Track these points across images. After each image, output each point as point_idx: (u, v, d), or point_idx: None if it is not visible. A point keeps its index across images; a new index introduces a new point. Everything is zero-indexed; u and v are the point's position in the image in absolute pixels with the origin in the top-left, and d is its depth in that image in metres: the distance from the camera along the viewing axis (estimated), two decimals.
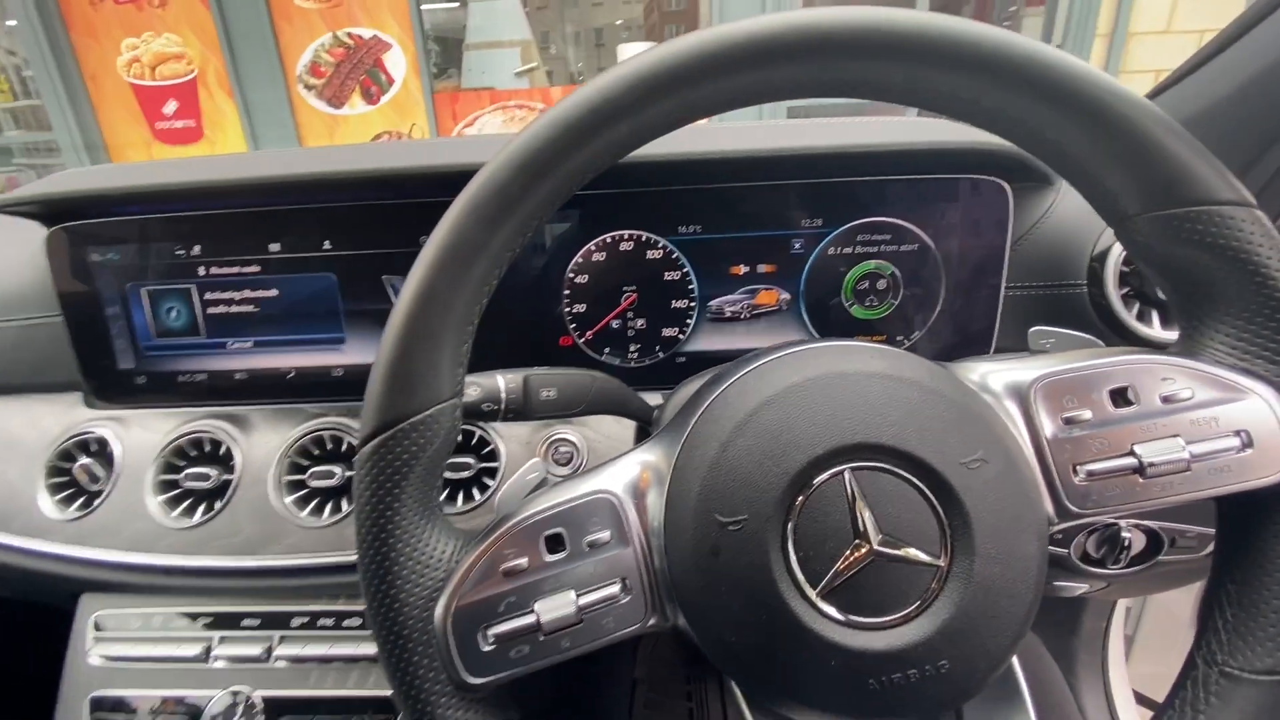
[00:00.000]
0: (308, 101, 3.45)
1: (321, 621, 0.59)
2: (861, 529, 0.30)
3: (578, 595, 0.32)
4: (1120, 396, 0.33)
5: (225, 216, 0.60)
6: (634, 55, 0.30)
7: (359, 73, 3.40)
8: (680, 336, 0.63)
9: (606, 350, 0.63)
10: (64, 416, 0.65)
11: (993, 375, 0.35)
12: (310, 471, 0.60)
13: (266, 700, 0.58)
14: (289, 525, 0.59)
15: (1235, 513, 0.34)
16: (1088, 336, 0.39)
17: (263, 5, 3.23)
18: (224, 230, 0.61)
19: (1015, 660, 0.35)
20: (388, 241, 0.60)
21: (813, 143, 0.55)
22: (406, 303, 0.31)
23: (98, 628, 0.61)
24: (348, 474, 0.60)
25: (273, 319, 0.63)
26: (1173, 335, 0.51)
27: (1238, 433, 0.32)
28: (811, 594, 0.30)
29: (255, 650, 0.58)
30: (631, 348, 0.63)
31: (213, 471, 0.60)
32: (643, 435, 0.59)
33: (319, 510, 0.60)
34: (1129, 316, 0.56)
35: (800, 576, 0.30)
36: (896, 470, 0.31)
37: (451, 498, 0.60)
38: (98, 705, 0.59)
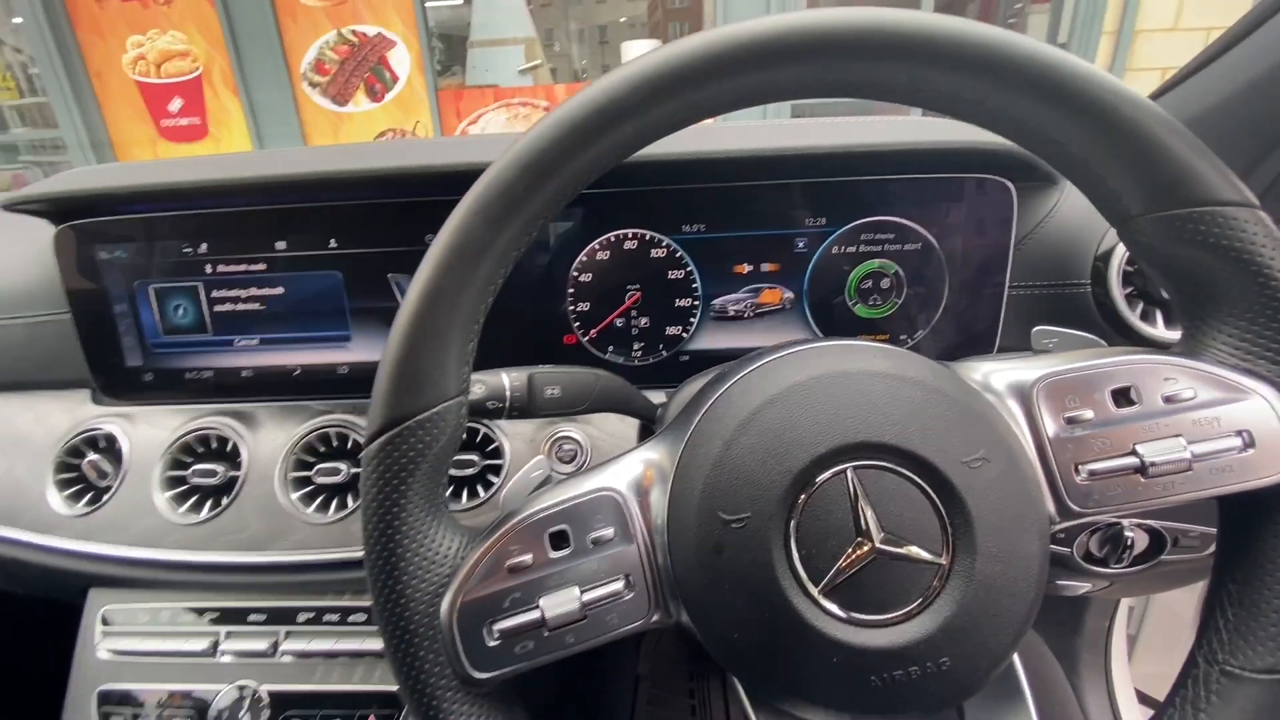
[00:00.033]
0: (312, 99, 3.46)
1: (327, 617, 0.60)
2: (864, 527, 0.30)
3: (582, 591, 0.32)
4: (1122, 396, 0.33)
5: (232, 215, 0.61)
6: (639, 56, 0.30)
7: (363, 70, 3.40)
8: (684, 335, 0.63)
9: (610, 348, 0.63)
10: (72, 413, 0.65)
11: (995, 375, 0.35)
12: (316, 468, 0.60)
13: (272, 695, 0.58)
14: (295, 521, 0.59)
15: (1237, 512, 0.34)
16: (1090, 336, 0.39)
17: (267, 3, 3.24)
18: (231, 228, 0.61)
19: (1017, 659, 0.35)
20: (393, 240, 0.60)
21: (817, 142, 0.55)
22: (413, 302, 0.31)
23: (106, 622, 0.62)
24: (353, 471, 0.60)
25: (279, 317, 0.63)
26: (1176, 335, 0.51)
27: (1239, 433, 0.32)
28: (814, 591, 0.30)
29: (261, 645, 0.59)
30: (635, 346, 0.63)
31: (219, 468, 0.61)
32: (646, 433, 0.60)
33: (325, 507, 0.60)
34: (1133, 316, 0.56)
35: (803, 574, 0.30)
36: (899, 469, 0.31)
37: (456, 494, 0.60)
38: (105, 699, 0.60)
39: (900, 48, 0.29)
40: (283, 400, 0.65)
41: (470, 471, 0.60)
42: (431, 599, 0.32)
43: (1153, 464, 0.31)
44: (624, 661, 0.95)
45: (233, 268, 0.62)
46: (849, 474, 0.31)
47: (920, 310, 0.62)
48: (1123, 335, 0.57)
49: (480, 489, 0.60)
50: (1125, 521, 0.60)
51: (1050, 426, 0.33)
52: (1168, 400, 0.32)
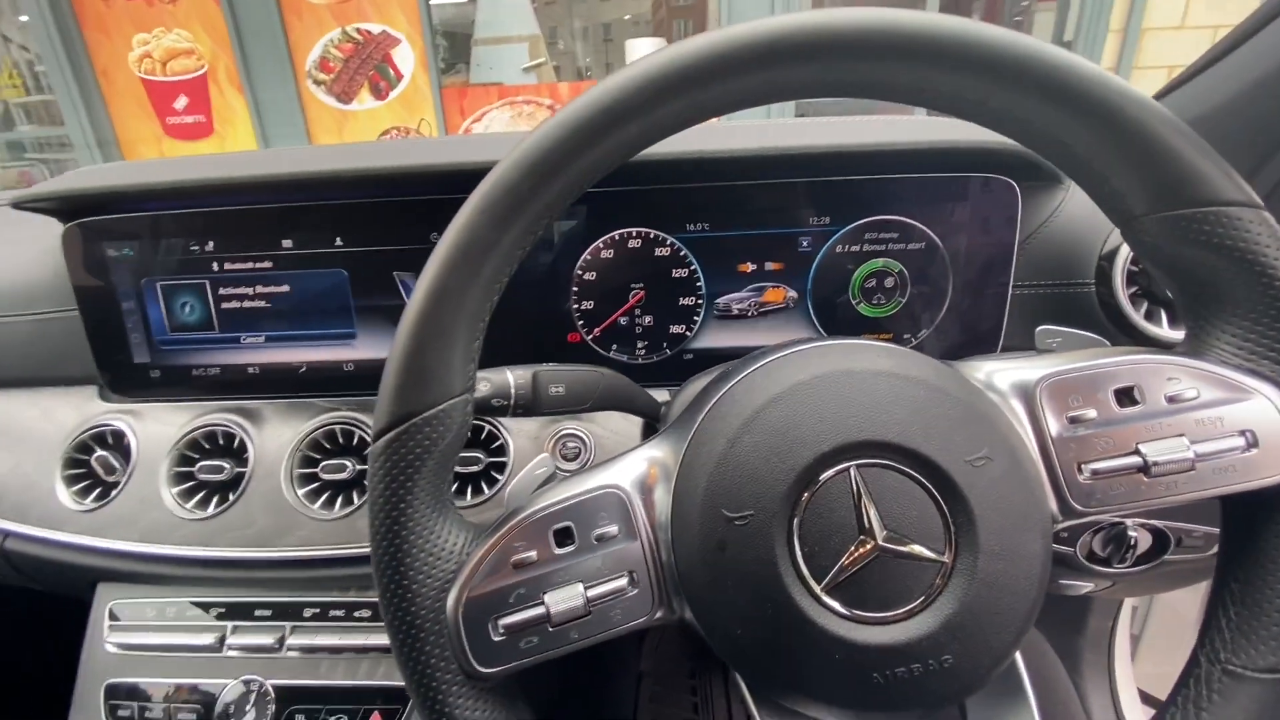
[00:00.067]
0: (317, 97, 3.46)
1: (333, 612, 0.60)
2: (867, 525, 0.30)
3: (586, 588, 0.33)
4: (1126, 396, 0.33)
5: (239, 213, 0.61)
6: (643, 56, 0.30)
7: (368, 68, 3.41)
8: (687, 334, 0.63)
9: (614, 347, 0.64)
10: (80, 409, 0.66)
11: (999, 374, 0.35)
12: (322, 465, 0.61)
13: (278, 689, 0.59)
14: (301, 518, 0.59)
15: (1240, 512, 0.34)
16: (1094, 336, 0.39)
17: (272, 1, 3.25)
18: (238, 226, 0.61)
19: (1019, 657, 0.35)
20: (398, 238, 0.61)
21: (820, 141, 0.55)
22: (420, 300, 0.31)
23: (113, 616, 0.63)
24: (359, 467, 0.61)
25: (285, 314, 0.64)
26: (1180, 335, 0.51)
27: (1243, 433, 0.32)
28: (816, 589, 0.30)
29: (268, 640, 0.59)
30: (639, 345, 0.63)
31: (226, 464, 0.61)
32: (649, 431, 0.60)
33: (330, 503, 0.61)
34: (1137, 316, 0.56)
35: (805, 571, 0.31)
36: (902, 467, 0.31)
37: (460, 491, 0.60)
38: (113, 692, 0.61)
39: (904, 48, 0.29)
40: (289, 397, 0.65)
41: (475, 468, 0.60)
42: (437, 594, 0.33)
43: (1156, 463, 0.31)
44: (627, 659, 0.95)
45: (239, 265, 0.62)
46: (852, 472, 0.31)
47: (924, 309, 0.62)
48: (1127, 335, 0.57)
49: (485, 486, 0.60)
50: (1128, 521, 0.60)
51: (1053, 425, 0.33)
52: (1171, 400, 0.32)
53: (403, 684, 0.56)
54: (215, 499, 0.61)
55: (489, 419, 0.62)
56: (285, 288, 0.63)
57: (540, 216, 0.32)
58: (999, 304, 0.60)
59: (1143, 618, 1.21)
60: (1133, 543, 0.60)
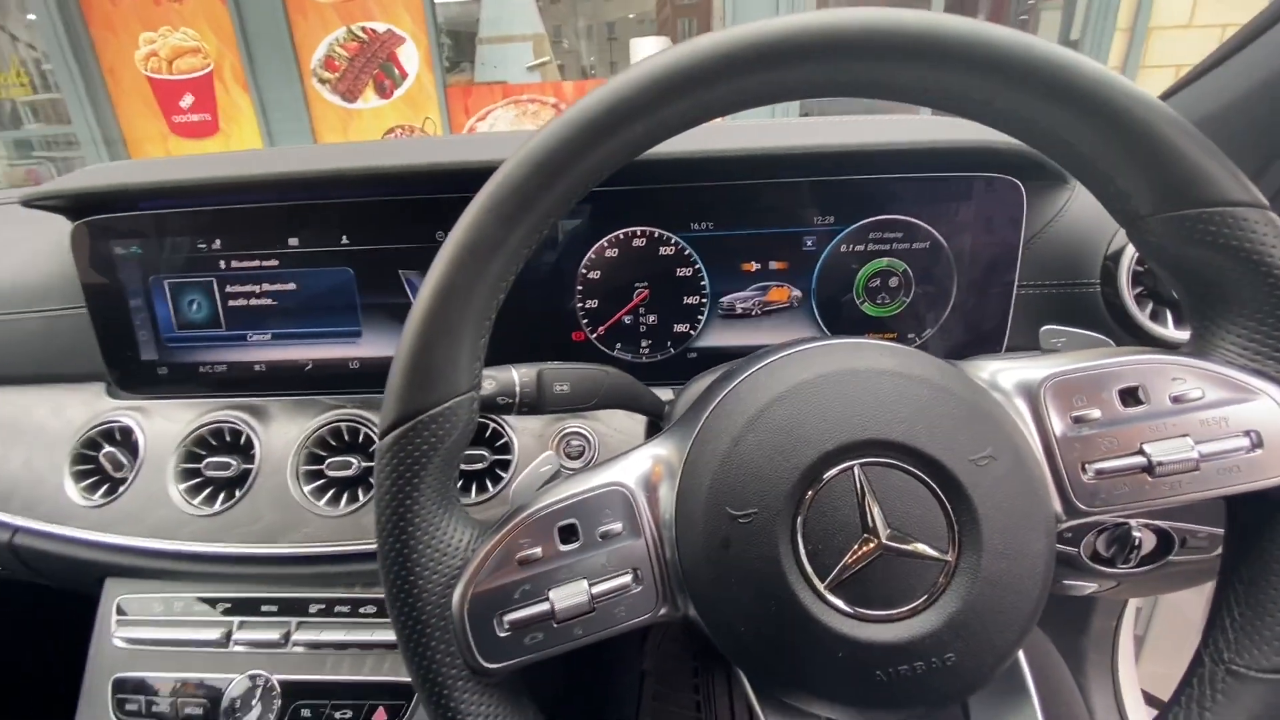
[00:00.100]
0: (322, 95, 3.47)
1: (338, 608, 0.61)
2: (870, 524, 0.30)
3: (590, 584, 0.33)
4: (1130, 396, 0.33)
5: (246, 211, 0.61)
6: (650, 56, 0.30)
7: (372, 67, 3.41)
8: (691, 333, 0.63)
9: (618, 346, 0.64)
10: (88, 406, 0.66)
11: (1003, 373, 0.35)
12: (328, 462, 0.61)
13: (284, 684, 0.59)
14: (307, 514, 0.60)
15: (1244, 512, 0.34)
16: (1098, 336, 0.39)
17: (278, 0, 3.26)
18: (245, 225, 0.62)
19: (1022, 656, 0.35)
20: (404, 237, 0.61)
21: (825, 141, 0.55)
22: (427, 298, 0.32)
23: (121, 612, 0.63)
24: (364, 465, 0.61)
25: (291, 312, 0.64)
26: (1186, 336, 0.51)
27: (1247, 433, 0.32)
28: (820, 586, 0.30)
29: (273, 635, 0.60)
30: (643, 343, 0.64)
31: (233, 461, 0.62)
32: (653, 430, 0.60)
33: (336, 500, 0.61)
34: (1143, 316, 0.56)
35: (809, 569, 0.31)
36: (905, 466, 0.31)
37: (465, 489, 0.61)
38: (120, 686, 0.61)
39: (909, 48, 0.29)
40: (295, 395, 0.66)
41: (479, 466, 0.60)
42: (443, 590, 0.33)
43: (1160, 463, 0.31)
44: (630, 658, 0.96)
45: (246, 263, 0.63)
46: (856, 471, 0.31)
47: (928, 309, 0.62)
48: (1132, 335, 0.57)
49: (489, 484, 0.60)
50: (1133, 522, 0.60)
51: (1057, 425, 0.33)
52: (1175, 400, 0.32)
53: (407, 680, 0.56)
54: (222, 495, 0.62)
55: (494, 417, 0.62)
56: (291, 286, 0.63)
57: (547, 215, 0.32)
58: (1004, 304, 0.60)
59: (1147, 619, 1.21)
60: (1137, 543, 0.60)
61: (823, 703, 0.33)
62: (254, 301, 0.64)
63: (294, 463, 0.61)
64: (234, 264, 0.63)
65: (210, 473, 0.62)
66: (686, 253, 0.61)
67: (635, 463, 0.36)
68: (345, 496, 0.61)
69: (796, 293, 0.62)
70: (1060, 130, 0.31)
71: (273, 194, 0.61)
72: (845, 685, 0.31)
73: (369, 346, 0.65)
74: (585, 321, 0.63)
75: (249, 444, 0.63)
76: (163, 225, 0.62)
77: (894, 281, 0.61)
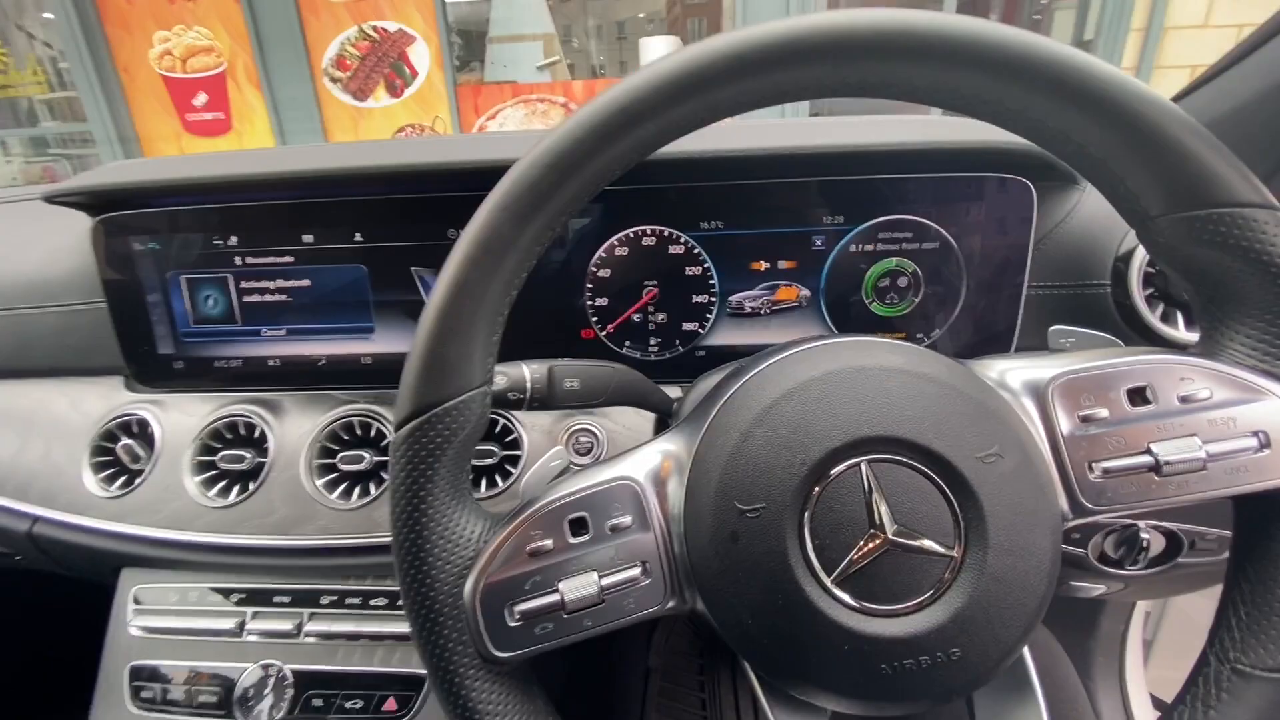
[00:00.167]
0: (333, 94, 3.50)
1: (350, 600, 0.61)
2: (877, 520, 0.31)
3: (600, 576, 0.33)
4: (1138, 396, 0.33)
5: (262, 209, 0.62)
6: (661, 57, 0.31)
7: (383, 66, 3.44)
8: (700, 331, 0.64)
9: (627, 343, 0.64)
10: (106, 399, 0.68)
11: (1011, 373, 0.36)
12: (340, 456, 0.62)
13: (296, 674, 0.60)
14: (320, 507, 0.61)
15: (1251, 513, 0.34)
16: (1107, 336, 0.39)
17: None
18: (260, 222, 0.63)
19: (1027, 653, 0.35)
20: (417, 234, 0.62)
21: (835, 141, 0.55)
22: (441, 294, 0.32)
23: (137, 601, 0.64)
24: (376, 459, 0.62)
25: (305, 308, 0.65)
26: (1196, 338, 0.51)
27: (1255, 433, 0.32)
28: (826, 580, 0.31)
29: (286, 626, 0.61)
30: (652, 341, 0.64)
31: (247, 454, 0.63)
32: (661, 427, 0.60)
33: (348, 493, 0.62)
34: (1153, 317, 0.56)
35: (816, 563, 0.31)
36: (912, 463, 0.31)
37: (475, 483, 0.61)
38: (136, 674, 0.62)
39: (919, 49, 0.29)
40: (308, 389, 0.67)
41: (490, 461, 0.61)
42: (456, 580, 0.33)
43: (1167, 463, 0.32)
44: (635, 654, 0.96)
45: (261, 260, 0.64)
46: (863, 467, 0.31)
47: (938, 309, 0.62)
48: (1142, 337, 0.57)
49: (499, 479, 0.61)
50: (1141, 523, 0.60)
51: (1065, 424, 0.33)
52: (1183, 400, 0.33)
53: (417, 670, 0.57)
54: (236, 488, 0.63)
55: (503, 413, 0.63)
56: (305, 282, 0.64)
57: (559, 213, 0.32)
58: (1013, 305, 0.60)
59: (1156, 623, 1.20)
60: (1145, 545, 0.60)
61: (828, 696, 0.33)
62: (269, 297, 0.65)
63: (307, 456, 0.62)
64: (249, 260, 0.64)
65: (225, 465, 0.63)
66: (696, 252, 0.61)
67: (645, 458, 0.36)
68: (357, 490, 0.62)
69: (805, 292, 0.62)
70: (1071, 131, 0.31)
71: (288, 192, 0.62)
72: (850, 678, 0.32)
73: (381, 342, 0.65)
74: (595, 319, 0.64)
75: (263, 438, 0.64)
76: (180, 222, 0.63)
77: (903, 281, 0.61)
